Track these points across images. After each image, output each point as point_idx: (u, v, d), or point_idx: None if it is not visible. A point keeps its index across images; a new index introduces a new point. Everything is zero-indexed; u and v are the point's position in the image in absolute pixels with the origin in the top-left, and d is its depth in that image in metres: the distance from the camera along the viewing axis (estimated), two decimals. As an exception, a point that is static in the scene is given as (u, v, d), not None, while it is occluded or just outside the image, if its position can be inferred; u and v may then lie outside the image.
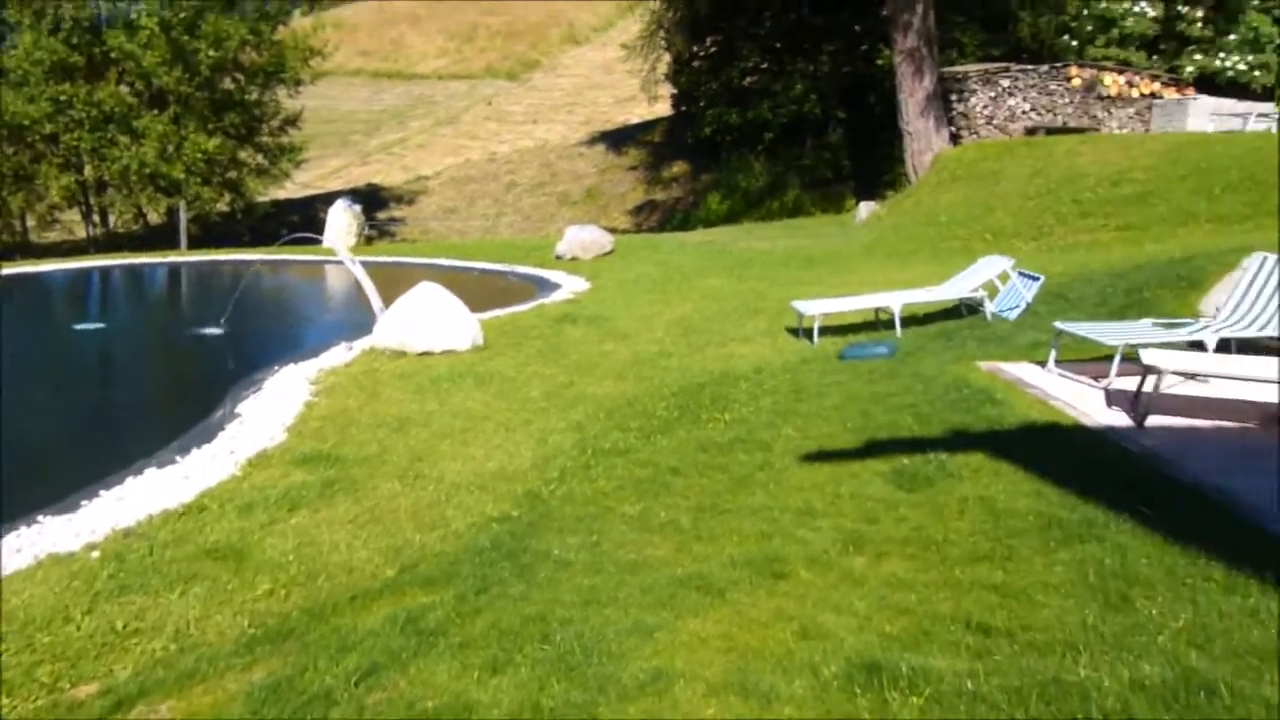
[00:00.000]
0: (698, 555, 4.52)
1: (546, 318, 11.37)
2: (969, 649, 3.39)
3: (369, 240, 24.84)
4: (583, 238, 16.84)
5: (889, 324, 9.64)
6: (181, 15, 26.30)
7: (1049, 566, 4.00)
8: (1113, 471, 5.06)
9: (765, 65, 30.30)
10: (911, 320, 9.94)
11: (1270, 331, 6.99)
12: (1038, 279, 9.21)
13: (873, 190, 23.48)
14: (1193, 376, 5.92)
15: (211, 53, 26.39)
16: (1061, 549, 4.15)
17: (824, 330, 9.71)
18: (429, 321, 9.49)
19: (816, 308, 9.54)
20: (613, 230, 21.28)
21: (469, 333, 9.59)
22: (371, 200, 33.00)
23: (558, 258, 16.67)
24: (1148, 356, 5.95)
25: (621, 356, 9.42)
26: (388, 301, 10.08)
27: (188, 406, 8.41)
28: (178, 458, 6.59)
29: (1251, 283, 7.31)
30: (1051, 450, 5.43)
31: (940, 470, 5.21)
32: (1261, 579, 3.66)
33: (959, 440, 5.72)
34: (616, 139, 37.93)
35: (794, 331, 9.94)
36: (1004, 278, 9.65)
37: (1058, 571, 3.94)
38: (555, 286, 14.06)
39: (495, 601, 4.23)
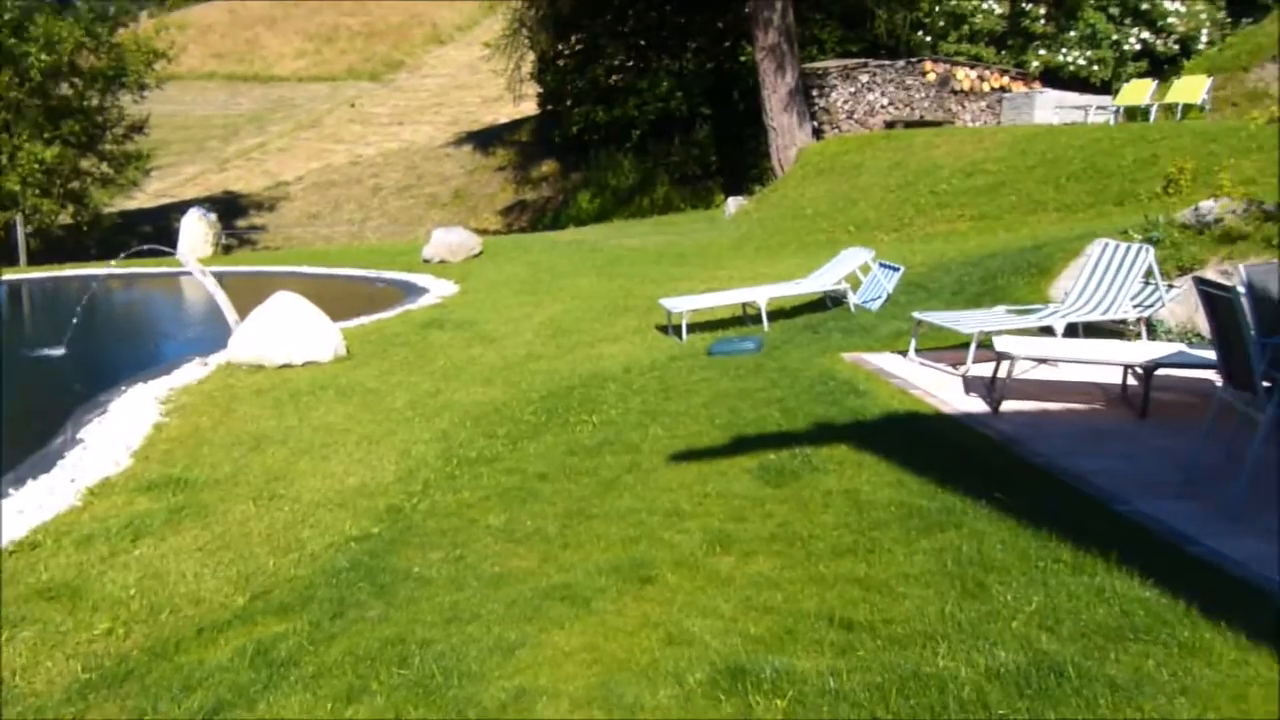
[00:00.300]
0: (564, 564, 4.42)
1: (413, 324, 11.09)
2: (833, 646, 3.39)
3: (227, 249, 23.86)
4: (450, 240, 16.52)
5: (757, 318, 9.73)
6: (6, 16, 24.73)
7: (910, 556, 4.05)
8: (970, 458, 5.17)
9: (630, 63, 30.36)
10: (778, 313, 10.06)
11: (1112, 315, 7.29)
12: (898, 269, 9.43)
13: (741, 185, 23.79)
14: (1043, 361, 6.12)
15: (44, 56, 24.86)
16: (922, 538, 4.20)
17: (693, 327, 9.74)
18: (287, 332, 9.13)
19: (684, 304, 9.55)
20: (483, 232, 20.99)
21: (330, 343, 9.27)
22: (230, 207, 31.75)
23: (425, 261, 16.33)
24: (1001, 344, 6.12)
25: (489, 361, 9.24)
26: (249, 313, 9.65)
27: (25, 434, 7.86)
28: (11, 491, 6.14)
29: (1094, 269, 7.62)
30: (912, 439, 5.52)
31: (806, 464, 5.24)
32: (1106, 558, 3.77)
33: (824, 433, 5.78)
34: (484, 139, 37.45)
35: (663, 329, 9.94)
36: (865, 269, 9.85)
37: (918, 561, 3.99)
38: (422, 291, 13.74)
39: (352, 626, 4.04)
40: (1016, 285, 9.19)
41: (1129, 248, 7.44)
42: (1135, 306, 7.38)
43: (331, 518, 5.59)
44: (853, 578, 3.91)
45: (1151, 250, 7.26)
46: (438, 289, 13.77)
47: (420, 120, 41.78)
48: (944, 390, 6.54)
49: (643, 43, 30.26)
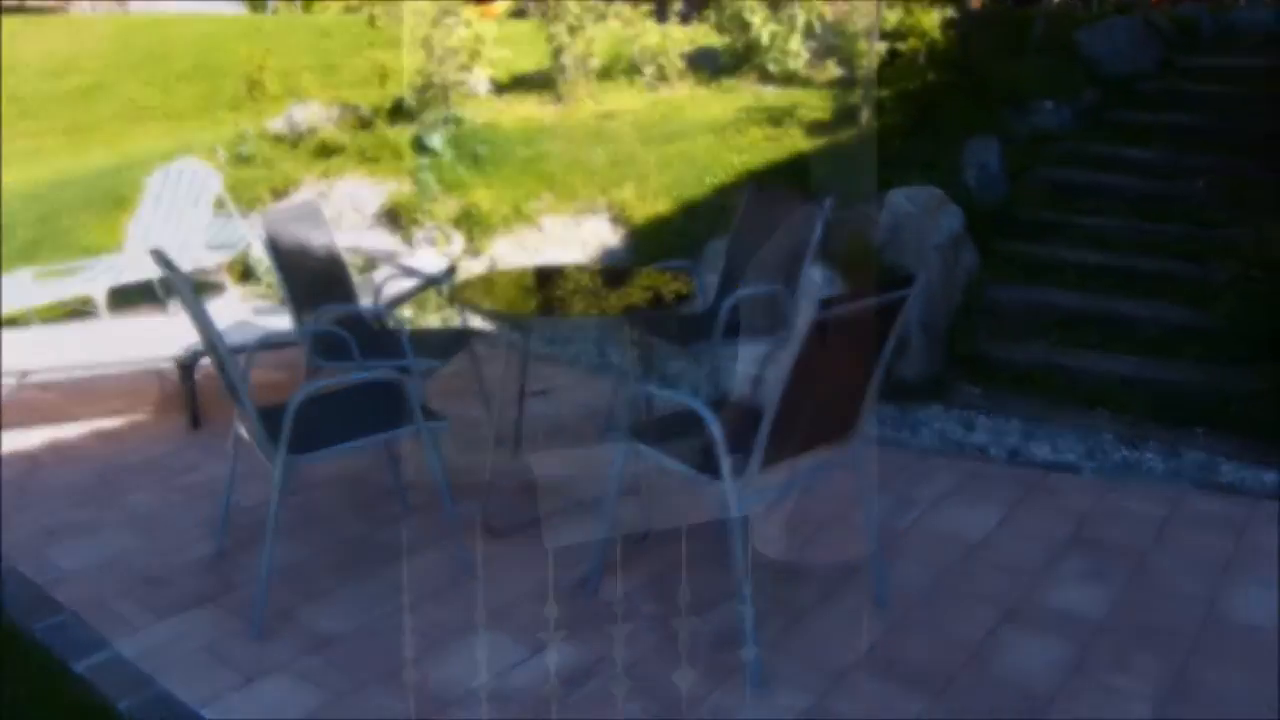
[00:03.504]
0: None
1: None
2: None
3: None
4: None
5: None
6: None
7: None
8: None
9: None
10: None
11: (185, 266, 5.49)
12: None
13: None
14: (25, 375, 4.04)
15: None
16: None
17: None
18: None
19: None
20: None
21: None
22: None
23: None
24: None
25: None
26: None
27: None
28: None
29: (155, 206, 5.71)
30: None
31: None
32: None
33: None
34: None
35: None
36: None
37: None
38: None
39: None
40: (88, 225, 6.97)
41: (193, 174, 5.67)
42: (212, 250, 5.68)
43: None
44: None
45: (217, 177, 5.58)
46: None
47: None
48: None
49: None
